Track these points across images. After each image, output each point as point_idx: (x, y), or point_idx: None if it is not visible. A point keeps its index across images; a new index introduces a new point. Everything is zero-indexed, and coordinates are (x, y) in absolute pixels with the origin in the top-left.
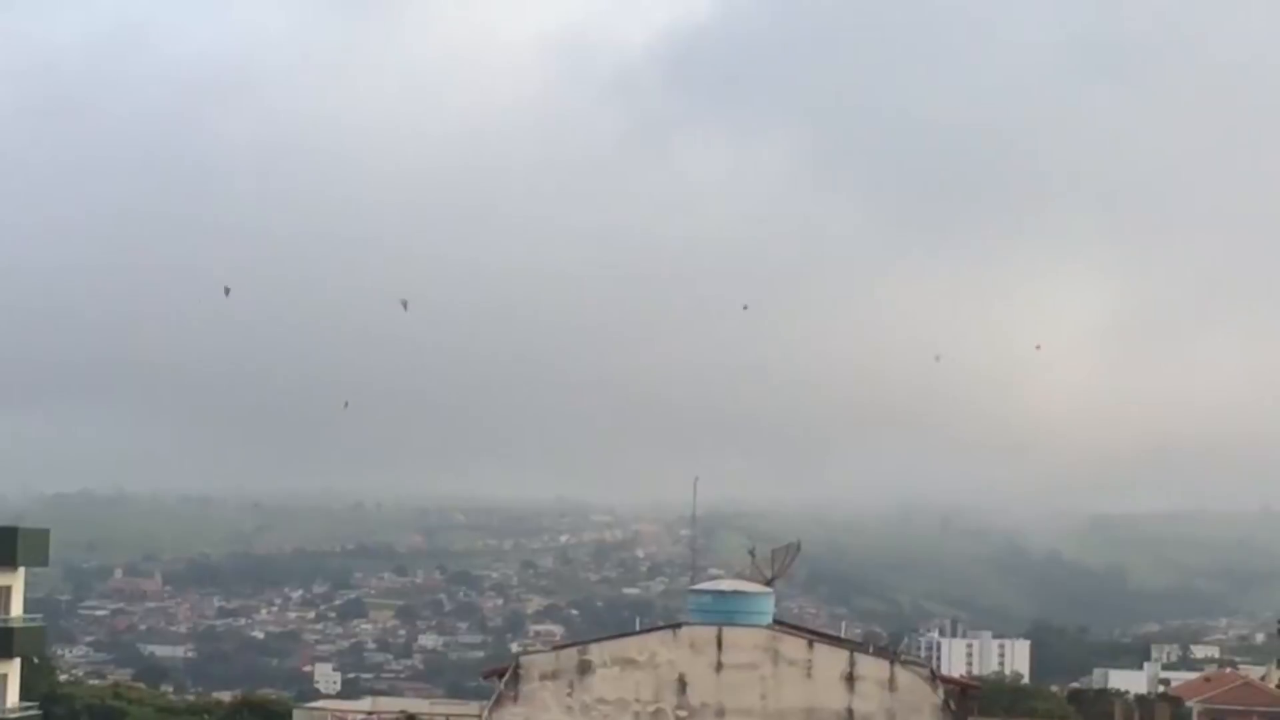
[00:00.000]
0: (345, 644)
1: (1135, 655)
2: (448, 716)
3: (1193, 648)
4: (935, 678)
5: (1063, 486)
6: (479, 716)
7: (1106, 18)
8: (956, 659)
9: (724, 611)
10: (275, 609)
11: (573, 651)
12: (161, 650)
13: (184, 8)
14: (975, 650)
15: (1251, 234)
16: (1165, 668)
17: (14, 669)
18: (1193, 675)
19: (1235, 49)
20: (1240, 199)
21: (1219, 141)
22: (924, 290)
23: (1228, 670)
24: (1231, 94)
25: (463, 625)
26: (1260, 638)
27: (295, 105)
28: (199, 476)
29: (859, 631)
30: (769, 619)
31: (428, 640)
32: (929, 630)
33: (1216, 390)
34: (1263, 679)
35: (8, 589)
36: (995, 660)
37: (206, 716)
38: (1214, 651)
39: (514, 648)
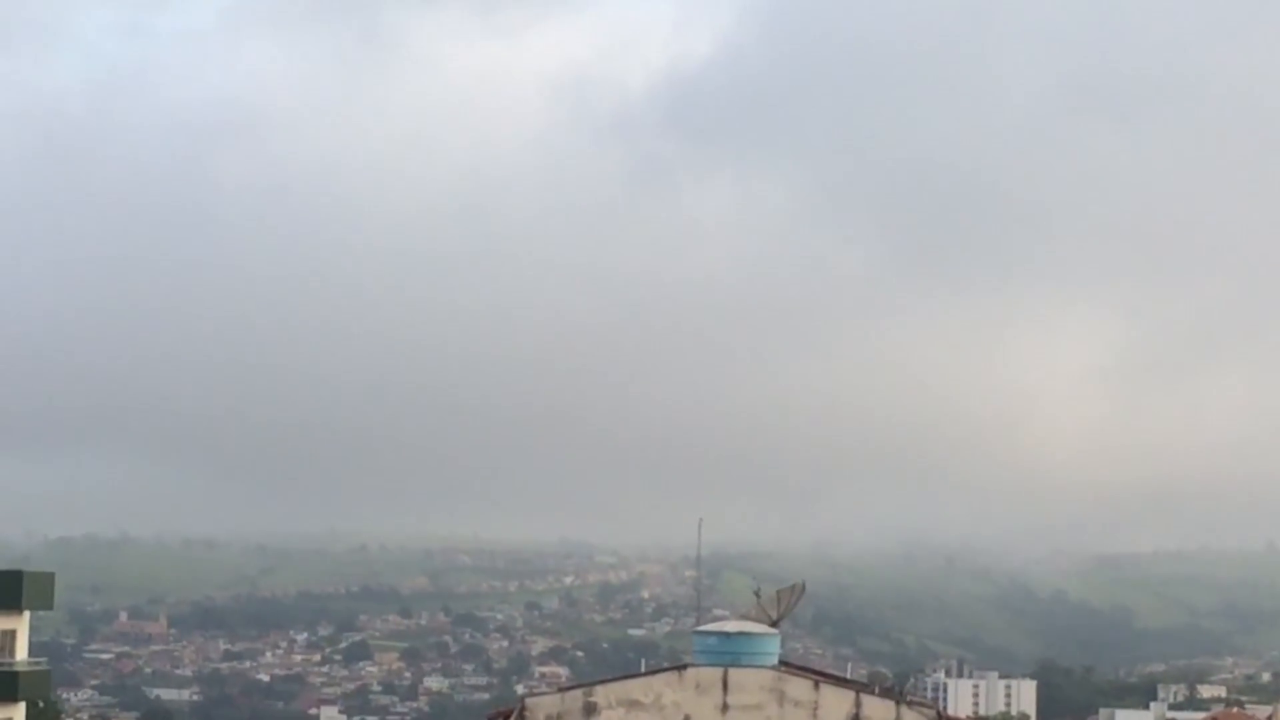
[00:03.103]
0: (351, 686)
1: (1141, 695)
2: None
3: (1199, 687)
4: (941, 718)
5: (1068, 526)
6: None
7: (1106, 57)
8: (963, 699)
9: (729, 652)
10: (280, 651)
11: (578, 693)
12: (166, 693)
13: (185, 52)
14: (981, 691)
15: (1255, 272)
16: (1172, 707)
17: (19, 713)
18: (1199, 715)
19: (1236, 87)
20: (1243, 237)
21: (1221, 180)
22: (927, 330)
23: (1234, 710)
24: (1233, 132)
25: (468, 667)
26: (1267, 677)
27: (296, 149)
28: (203, 519)
29: (864, 672)
30: (774, 660)
31: (433, 682)
32: (935, 671)
33: (1221, 429)
34: (1269, 718)
35: (13, 633)
36: (1001, 700)
37: None
38: (1220, 691)
39: (519, 689)
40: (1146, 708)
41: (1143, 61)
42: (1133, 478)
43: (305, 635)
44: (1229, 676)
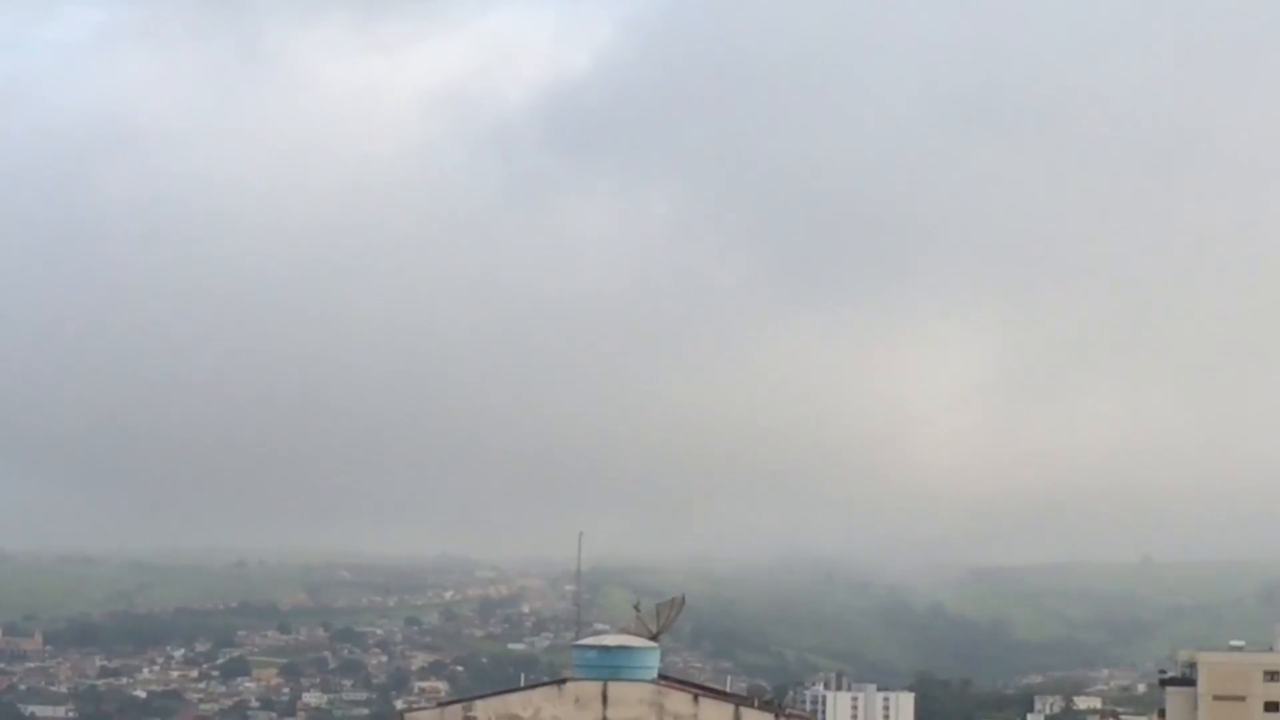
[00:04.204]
0: (228, 703)
1: (1018, 706)
2: None
3: (1075, 699)
4: None
5: (946, 539)
6: None
7: (983, 75)
8: (841, 712)
9: (609, 666)
10: (157, 668)
11: (457, 708)
12: (42, 710)
13: (66, 65)
14: (860, 703)
15: (1128, 287)
16: (1048, 719)
17: None
18: None
19: (1110, 106)
20: (1116, 253)
21: (1094, 196)
22: (807, 343)
23: None
24: (1106, 150)
25: (347, 683)
26: (1142, 688)
27: (177, 162)
28: (80, 535)
29: (744, 685)
30: (654, 674)
31: (312, 698)
32: (814, 683)
33: (1097, 442)
34: None
35: None
36: (880, 713)
37: None
38: (1096, 702)
39: (399, 705)
40: (1023, 719)
41: (1019, 80)
42: (1010, 491)
43: (183, 652)
44: (1105, 688)
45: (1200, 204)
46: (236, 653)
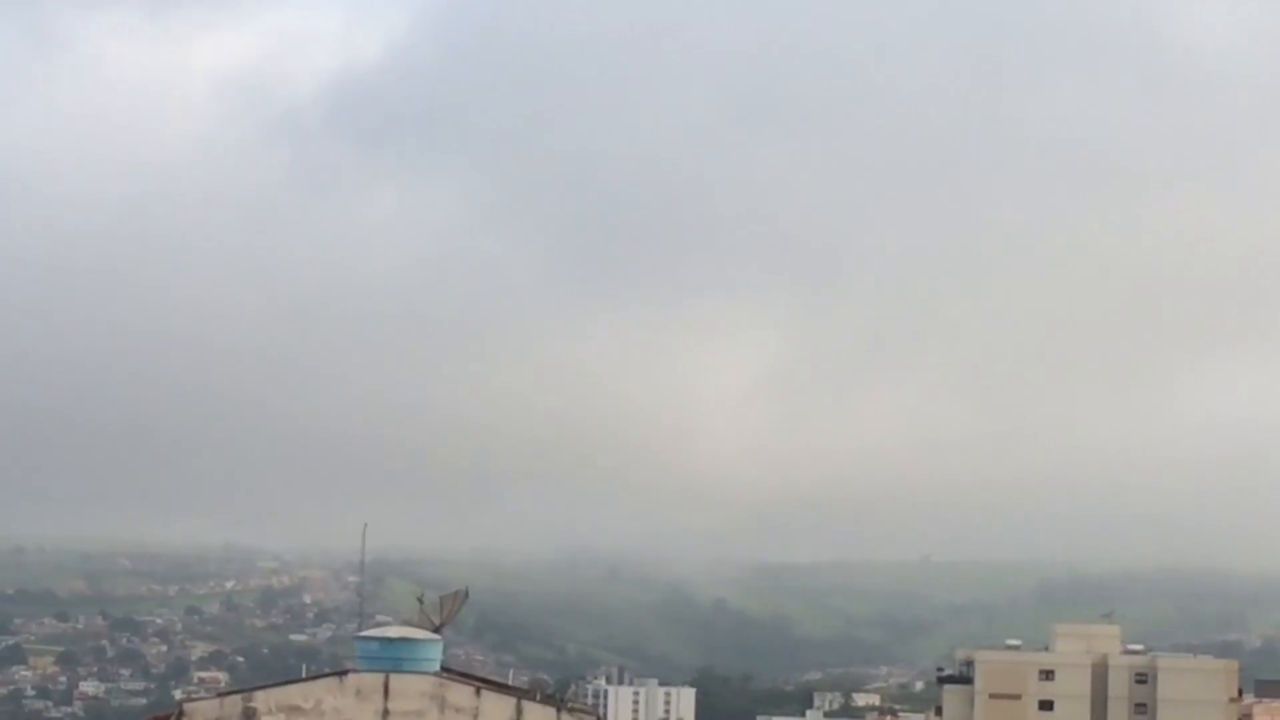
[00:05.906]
0: (3, 691)
1: (798, 703)
2: None
3: (854, 695)
4: None
5: (729, 535)
6: None
7: (773, 73)
8: (623, 707)
9: (391, 659)
10: None
11: (237, 699)
12: None
13: None
14: (641, 698)
15: (915, 287)
16: (827, 715)
17: None
18: None
19: (899, 107)
20: (905, 253)
21: (884, 196)
22: (595, 336)
23: (888, 717)
24: (896, 150)
25: (125, 672)
26: (920, 686)
27: None
28: None
29: (526, 679)
30: (436, 666)
31: (89, 687)
32: (596, 678)
33: (879, 441)
34: None
35: None
36: (661, 708)
37: None
38: (875, 699)
39: (177, 694)
40: (803, 715)
41: (807, 78)
42: (793, 488)
43: None
44: (883, 685)
45: (988, 205)
46: (12, 640)
